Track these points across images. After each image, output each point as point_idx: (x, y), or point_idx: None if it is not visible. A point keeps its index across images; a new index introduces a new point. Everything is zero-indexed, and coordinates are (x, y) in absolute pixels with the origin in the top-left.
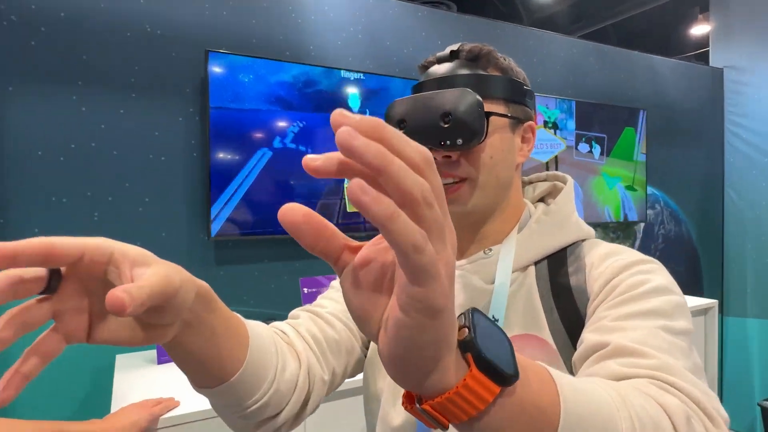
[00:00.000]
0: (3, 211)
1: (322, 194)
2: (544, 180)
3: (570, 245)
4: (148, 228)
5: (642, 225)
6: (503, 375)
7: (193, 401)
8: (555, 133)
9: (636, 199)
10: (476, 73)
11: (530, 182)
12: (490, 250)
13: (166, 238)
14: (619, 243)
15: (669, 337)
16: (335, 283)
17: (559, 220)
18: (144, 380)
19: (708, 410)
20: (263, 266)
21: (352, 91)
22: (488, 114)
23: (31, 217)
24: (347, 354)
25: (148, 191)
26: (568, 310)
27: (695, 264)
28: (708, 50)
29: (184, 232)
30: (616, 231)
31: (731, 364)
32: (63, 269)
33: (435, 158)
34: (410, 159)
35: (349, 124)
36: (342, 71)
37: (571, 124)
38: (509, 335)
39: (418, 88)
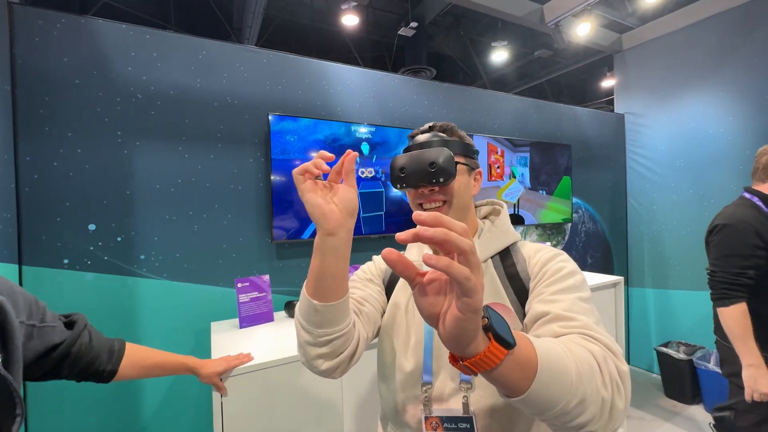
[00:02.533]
0: (134, 225)
1: None
2: (485, 205)
3: (510, 245)
4: (230, 235)
5: (569, 225)
6: (509, 344)
7: (261, 357)
8: (516, 179)
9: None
10: (447, 139)
11: (477, 206)
12: None
13: (243, 242)
14: (553, 237)
15: (582, 304)
16: (355, 276)
17: (503, 230)
18: (230, 339)
19: (614, 350)
20: (308, 260)
21: (364, 142)
22: (456, 162)
23: (152, 229)
24: (374, 324)
25: (230, 210)
26: (518, 286)
27: (607, 251)
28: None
29: (255, 237)
30: (551, 230)
31: (635, 321)
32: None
33: (423, 191)
34: (457, 230)
35: (424, 221)
36: (359, 126)
37: (527, 173)
38: (484, 304)
39: (410, 148)
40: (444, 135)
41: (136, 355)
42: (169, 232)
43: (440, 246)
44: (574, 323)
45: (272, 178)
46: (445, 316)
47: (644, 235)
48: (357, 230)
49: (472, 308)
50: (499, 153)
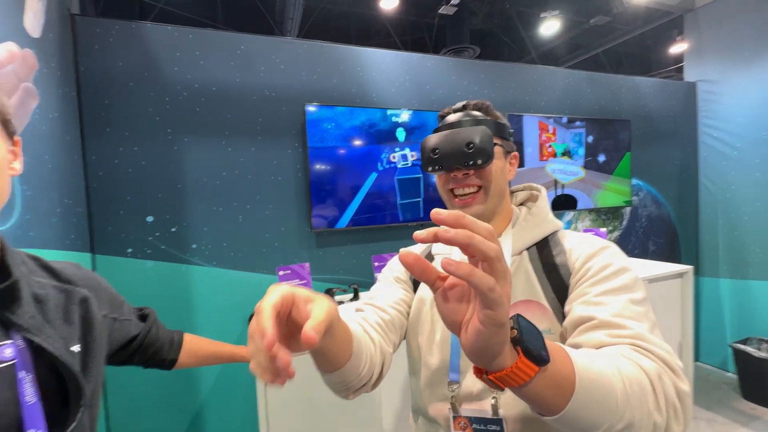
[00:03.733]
0: (186, 217)
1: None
2: (522, 190)
3: (549, 235)
4: (272, 224)
5: (628, 209)
6: (540, 359)
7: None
8: (570, 158)
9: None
10: (482, 118)
11: (512, 192)
12: None
13: (284, 231)
14: (609, 223)
15: (634, 307)
16: (381, 277)
17: (541, 217)
18: None
19: (671, 365)
20: (347, 248)
21: (399, 128)
22: (494, 144)
23: (200, 220)
24: (399, 328)
25: (272, 200)
26: (556, 281)
27: (673, 237)
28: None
29: (295, 226)
30: (607, 214)
31: (707, 315)
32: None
33: (457, 175)
34: (482, 232)
35: (443, 220)
36: (394, 111)
37: (582, 151)
38: (514, 302)
39: (440, 129)
40: (479, 114)
41: (193, 345)
42: (217, 222)
43: (462, 249)
44: (624, 332)
45: (310, 167)
46: (467, 326)
47: (719, 218)
48: (394, 218)
49: (497, 322)
50: (551, 131)
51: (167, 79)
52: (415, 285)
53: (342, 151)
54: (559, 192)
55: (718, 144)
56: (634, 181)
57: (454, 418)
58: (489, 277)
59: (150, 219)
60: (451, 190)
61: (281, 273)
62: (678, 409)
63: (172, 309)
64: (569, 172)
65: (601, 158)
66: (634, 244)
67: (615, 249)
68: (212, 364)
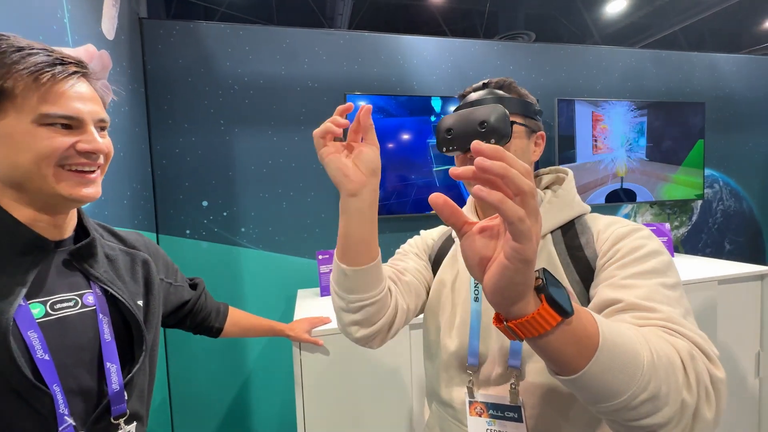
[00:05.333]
0: (236, 202)
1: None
2: (548, 173)
3: (576, 218)
4: (314, 210)
5: (699, 202)
6: (563, 310)
7: (336, 323)
8: (629, 149)
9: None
10: (503, 96)
11: (537, 175)
12: None
13: (324, 218)
14: (675, 218)
15: (666, 291)
16: (401, 250)
17: (566, 200)
18: (312, 306)
19: (706, 351)
20: (384, 236)
21: (440, 115)
22: (512, 122)
23: (250, 205)
24: (417, 296)
25: (314, 187)
26: (581, 264)
27: (756, 235)
28: None
29: (334, 213)
30: (673, 207)
31: None
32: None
33: (472, 156)
34: (519, 168)
35: (482, 151)
36: (433, 98)
37: (642, 141)
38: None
39: (459, 108)
40: (500, 92)
41: (236, 316)
42: (263, 207)
43: (496, 185)
44: (655, 315)
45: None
46: (492, 265)
47: None
48: (425, 207)
49: (523, 257)
50: (605, 121)
51: (220, 74)
52: (434, 267)
53: (388, 145)
54: (616, 186)
55: None
56: (708, 172)
57: (470, 403)
58: (520, 208)
59: (205, 203)
60: None
61: (320, 257)
62: (710, 393)
63: (223, 286)
64: (628, 165)
65: (667, 146)
66: (706, 242)
67: (647, 232)
68: (253, 336)
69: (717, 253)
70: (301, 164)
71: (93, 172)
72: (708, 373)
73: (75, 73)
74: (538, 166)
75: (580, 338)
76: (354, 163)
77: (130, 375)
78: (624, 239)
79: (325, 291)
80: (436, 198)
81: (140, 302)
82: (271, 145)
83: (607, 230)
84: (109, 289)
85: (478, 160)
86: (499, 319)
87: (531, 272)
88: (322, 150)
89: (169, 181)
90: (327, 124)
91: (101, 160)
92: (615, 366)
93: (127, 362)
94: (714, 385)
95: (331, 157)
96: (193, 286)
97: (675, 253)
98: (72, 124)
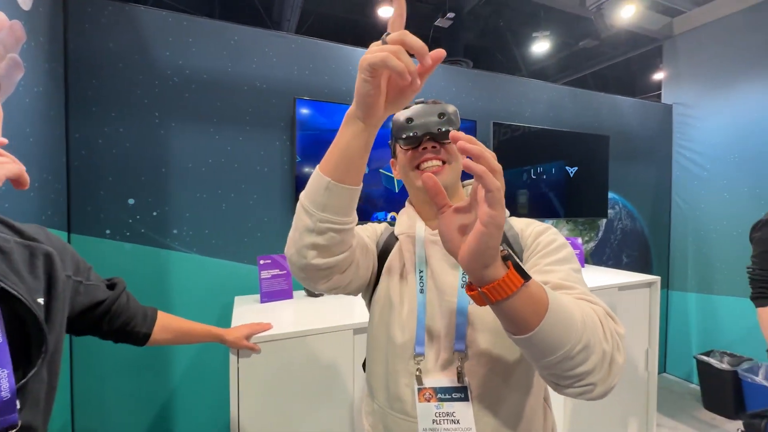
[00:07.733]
0: (168, 201)
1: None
2: (471, 184)
3: None
4: (256, 214)
5: (603, 221)
6: (526, 274)
7: (278, 327)
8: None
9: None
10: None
11: (464, 185)
12: None
13: (267, 222)
14: (585, 234)
15: (576, 274)
16: (359, 229)
17: None
18: (250, 312)
19: (612, 315)
20: None
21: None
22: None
23: (184, 206)
24: (371, 259)
25: (256, 190)
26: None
27: (646, 251)
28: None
29: (278, 217)
30: (584, 224)
31: (674, 327)
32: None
33: (426, 147)
34: (493, 154)
35: (463, 138)
36: None
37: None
38: None
39: (411, 106)
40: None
41: (167, 321)
42: (200, 209)
43: (475, 159)
44: (573, 291)
45: (297, 160)
46: (468, 235)
47: (689, 235)
48: (368, 216)
49: (497, 222)
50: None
51: (158, 64)
52: (380, 258)
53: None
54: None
55: (689, 164)
56: (611, 195)
57: (419, 390)
58: (497, 180)
59: (131, 201)
60: (417, 166)
61: (262, 262)
62: (620, 344)
63: (149, 293)
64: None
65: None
66: (609, 255)
67: (555, 230)
68: (187, 342)
69: (617, 264)
70: (244, 165)
71: None
72: (616, 330)
73: None
74: (464, 176)
75: (535, 300)
76: (387, 98)
77: (24, 380)
78: (542, 235)
79: (266, 298)
80: (428, 178)
81: (40, 300)
82: (213, 143)
83: (528, 229)
84: (0, 284)
85: (461, 142)
86: (471, 288)
87: (499, 237)
88: (373, 80)
89: (89, 175)
90: (400, 66)
91: None
92: (559, 323)
93: (21, 367)
94: (620, 338)
95: (376, 90)
96: (111, 286)
97: (585, 264)
98: None
